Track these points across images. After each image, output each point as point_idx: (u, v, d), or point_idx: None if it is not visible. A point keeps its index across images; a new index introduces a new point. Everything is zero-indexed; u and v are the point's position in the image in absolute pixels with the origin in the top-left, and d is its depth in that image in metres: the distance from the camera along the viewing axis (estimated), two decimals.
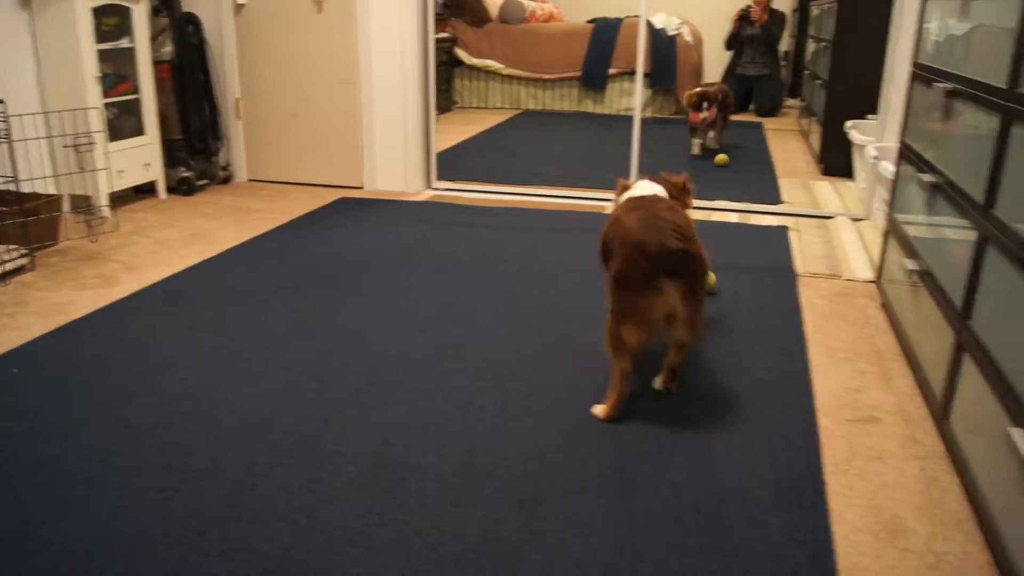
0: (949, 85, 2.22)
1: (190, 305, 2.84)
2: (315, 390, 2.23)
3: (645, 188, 2.37)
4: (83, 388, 2.23)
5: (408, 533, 1.64)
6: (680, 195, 2.50)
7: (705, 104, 5.38)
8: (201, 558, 1.56)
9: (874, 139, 4.14)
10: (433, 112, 4.53)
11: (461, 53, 7.86)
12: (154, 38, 4.25)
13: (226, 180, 4.78)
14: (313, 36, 4.50)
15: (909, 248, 2.52)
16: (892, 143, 3.69)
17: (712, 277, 2.58)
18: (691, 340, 2.12)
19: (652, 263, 1.95)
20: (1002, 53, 1.80)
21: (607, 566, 1.55)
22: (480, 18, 7.88)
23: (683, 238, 1.97)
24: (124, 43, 4.04)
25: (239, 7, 4.55)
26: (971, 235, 1.90)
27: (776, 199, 4.41)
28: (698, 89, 5.48)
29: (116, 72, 4.07)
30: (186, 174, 4.45)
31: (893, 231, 2.81)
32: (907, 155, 2.71)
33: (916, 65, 2.72)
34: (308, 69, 4.56)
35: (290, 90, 4.63)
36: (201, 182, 4.56)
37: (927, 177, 2.33)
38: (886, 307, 2.82)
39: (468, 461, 1.90)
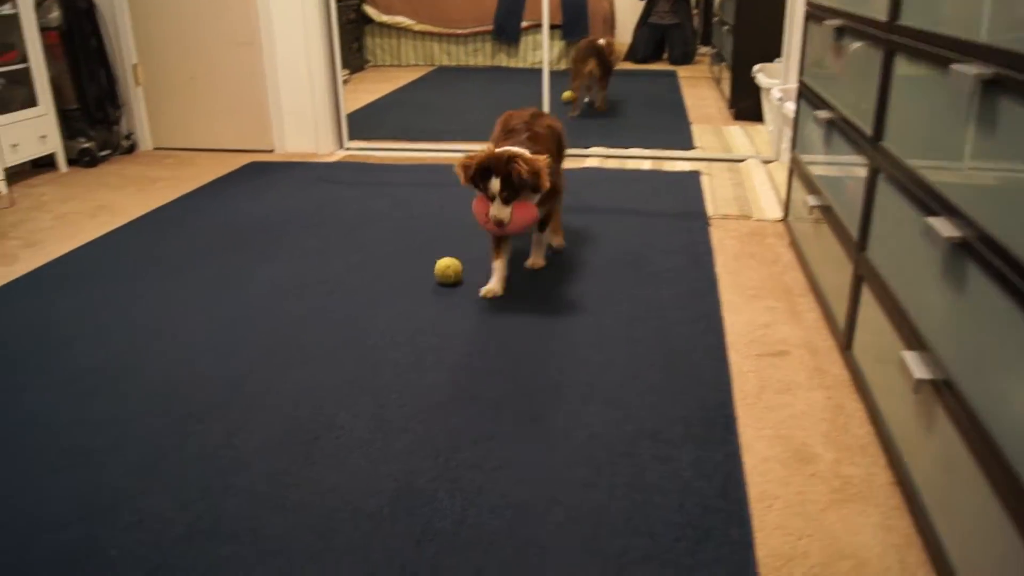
0: (838, 21, 2.26)
1: (93, 279, 2.75)
2: (224, 355, 2.19)
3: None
4: None
5: (323, 491, 1.63)
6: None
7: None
8: (110, 531, 1.53)
9: (779, 81, 4.20)
10: (340, 71, 4.43)
11: (370, 10, 7.69)
12: (39, 3, 4.04)
13: (130, 149, 4.61)
14: None
15: (811, 185, 2.58)
16: (795, 84, 3.75)
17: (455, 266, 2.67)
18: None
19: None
20: None
21: (521, 508, 1.57)
22: None
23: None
24: (5, 9, 3.83)
25: None
26: (864, 168, 1.95)
27: (689, 145, 4.46)
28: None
29: (0, 41, 3.86)
30: (86, 145, 4.28)
31: (796, 169, 2.87)
32: (805, 94, 2.76)
33: (809, 4, 2.76)
34: (206, 30, 4.41)
35: (189, 53, 4.47)
36: (103, 152, 4.39)
37: (822, 114, 2.38)
38: (794, 245, 2.89)
39: (381, 415, 1.89)
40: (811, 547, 1.49)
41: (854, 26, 2.10)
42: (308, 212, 3.41)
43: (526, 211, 2.40)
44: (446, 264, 2.61)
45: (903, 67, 1.72)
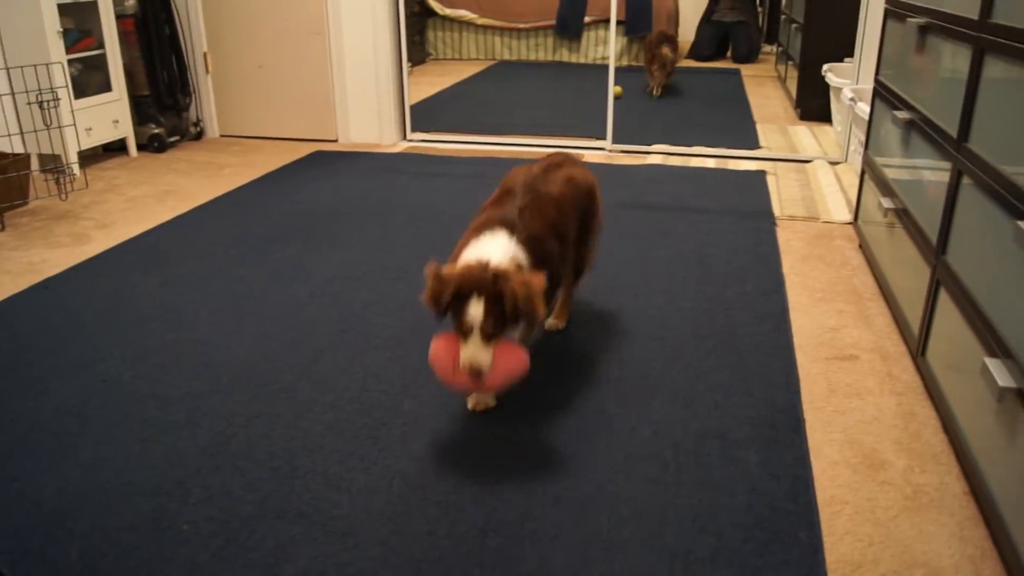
0: (922, 20, 2.20)
1: (165, 261, 2.81)
2: (292, 340, 2.22)
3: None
4: (58, 345, 2.20)
5: (390, 476, 1.64)
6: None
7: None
8: (180, 506, 1.56)
9: (850, 81, 4.12)
10: (405, 62, 4.46)
11: (434, 3, 7.72)
12: None
13: (198, 136, 4.70)
14: None
15: (885, 187, 2.52)
16: (868, 84, 3.67)
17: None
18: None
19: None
20: None
21: (585, 502, 1.56)
22: None
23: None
24: None
25: None
26: (945, 170, 1.90)
27: (754, 144, 4.40)
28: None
29: (78, 27, 3.96)
30: (157, 131, 4.37)
31: (869, 171, 2.81)
32: (882, 94, 2.70)
33: (889, 1, 2.69)
34: (275, 20, 4.47)
35: (257, 42, 4.53)
36: (172, 139, 4.48)
37: (902, 114, 2.32)
38: (863, 248, 2.83)
39: (448, 404, 1.90)
40: (882, 554, 1.46)
41: (941, 23, 2.04)
42: (373, 201, 3.44)
43: (511, 358, 1.69)
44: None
45: (993, 66, 1.67)
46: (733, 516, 1.53)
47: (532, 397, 1.93)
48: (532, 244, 1.83)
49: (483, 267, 1.67)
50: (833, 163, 4.03)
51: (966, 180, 1.77)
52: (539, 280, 1.69)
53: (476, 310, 1.62)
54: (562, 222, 1.98)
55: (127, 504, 1.57)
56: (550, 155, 2.19)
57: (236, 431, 1.80)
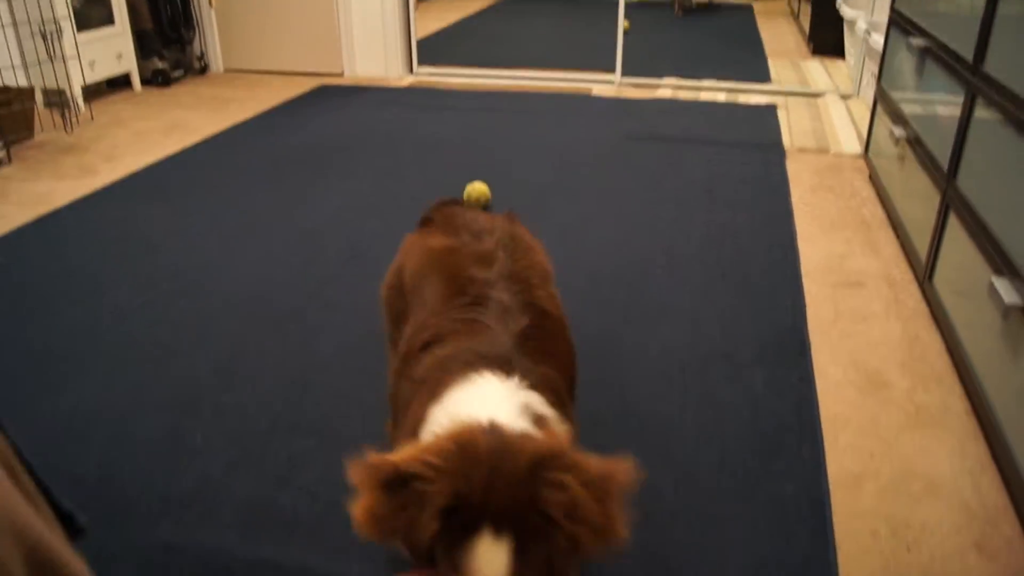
0: None
1: (172, 192, 2.81)
2: (301, 266, 2.23)
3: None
4: (68, 272, 2.22)
5: None
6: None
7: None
8: (194, 422, 1.59)
9: (864, 13, 4.05)
10: None
11: None
12: None
13: (202, 71, 4.66)
14: None
15: (897, 116, 2.50)
16: (883, 16, 3.61)
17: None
18: None
19: None
20: None
21: (593, 417, 1.59)
22: None
23: None
24: None
25: None
26: (959, 95, 1.88)
27: (765, 79, 4.34)
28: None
29: None
30: (161, 65, 4.33)
31: (882, 102, 2.78)
32: (898, 22, 2.66)
33: None
34: None
35: None
36: (176, 73, 4.45)
37: (917, 41, 2.29)
38: (873, 179, 2.82)
39: None
40: (882, 467, 1.48)
41: None
42: (380, 134, 3.42)
43: None
44: (479, 192, 2.58)
45: None
46: (737, 431, 1.55)
47: None
48: (546, 383, 1.00)
49: (498, 446, 0.79)
50: (845, 97, 3.98)
51: (980, 103, 1.75)
52: (619, 471, 0.84)
53: (494, 561, 0.75)
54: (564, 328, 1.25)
55: (141, 421, 1.60)
56: (492, 217, 1.40)
57: (247, 351, 1.82)
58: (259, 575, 1.24)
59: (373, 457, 0.79)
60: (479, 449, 0.78)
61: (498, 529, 0.74)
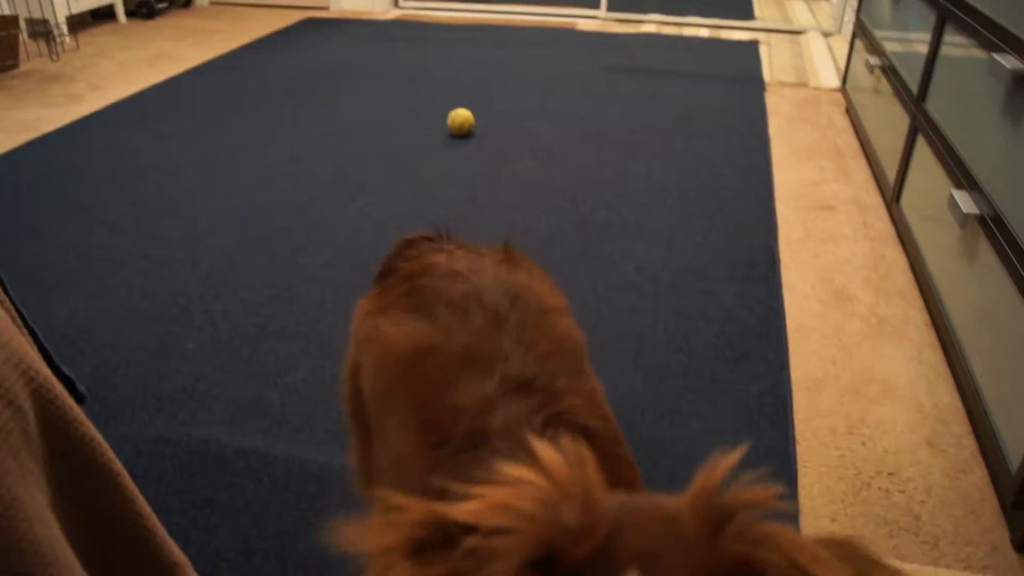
0: None
1: (159, 118, 2.83)
2: (287, 187, 2.27)
3: None
4: (57, 194, 2.26)
5: None
6: None
7: None
8: (185, 328, 1.65)
9: None
10: None
11: None
12: None
13: (186, 4, 4.63)
14: None
15: (874, 47, 2.54)
16: None
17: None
18: None
19: None
20: None
21: None
22: None
23: None
24: None
25: None
26: (931, 20, 1.92)
27: (748, 16, 4.36)
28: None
29: None
30: None
31: (860, 33, 2.82)
32: None
33: None
34: None
35: None
36: (161, 5, 4.41)
37: None
38: (849, 112, 2.87)
39: None
40: (843, 372, 1.56)
41: None
42: (364, 65, 3.43)
43: None
44: (464, 118, 2.63)
45: None
46: (706, 338, 1.63)
47: (519, 235, 2.01)
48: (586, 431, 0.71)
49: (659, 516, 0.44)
50: (827, 34, 4.00)
51: (950, 27, 1.80)
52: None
53: None
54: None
55: (134, 328, 1.65)
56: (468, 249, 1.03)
57: (235, 265, 1.88)
58: (249, 462, 1.31)
59: (400, 500, 0.45)
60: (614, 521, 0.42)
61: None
